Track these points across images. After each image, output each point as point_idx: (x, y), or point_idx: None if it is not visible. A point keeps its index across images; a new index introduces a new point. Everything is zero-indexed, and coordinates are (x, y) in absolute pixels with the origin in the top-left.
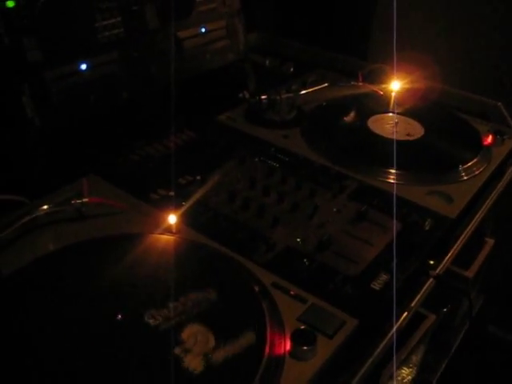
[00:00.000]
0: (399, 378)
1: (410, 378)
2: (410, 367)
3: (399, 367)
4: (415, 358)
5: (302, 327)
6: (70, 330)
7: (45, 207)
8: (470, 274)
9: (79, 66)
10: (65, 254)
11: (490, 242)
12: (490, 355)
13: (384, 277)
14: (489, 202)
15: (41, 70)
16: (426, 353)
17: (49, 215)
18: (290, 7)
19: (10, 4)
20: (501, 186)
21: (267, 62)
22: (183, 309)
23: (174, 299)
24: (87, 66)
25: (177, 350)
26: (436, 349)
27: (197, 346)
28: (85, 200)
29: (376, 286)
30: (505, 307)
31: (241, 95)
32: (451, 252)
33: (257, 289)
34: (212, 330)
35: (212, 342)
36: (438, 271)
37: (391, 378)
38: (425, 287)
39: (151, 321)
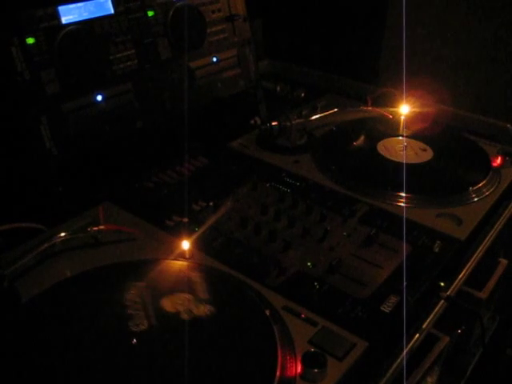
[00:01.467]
0: None
1: None
2: None
3: None
4: (430, 381)
5: (313, 350)
6: (87, 355)
7: (62, 234)
8: (483, 295)
9: (95, 98)
10: (81, 280)
11: (504, 262)
12: (508, 379)
13: (394, 299)
14: (499, 223)
15: (58, 102)
16: (440, 375)
17: (66, 242)
18: (301, 34)
19: (30, 41)
20: (511, 206)
21: (278, 89)
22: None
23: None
24: (103, 97)
25: (184, 316)
26: (451, 371)
27: (187, 303)
28: (101, 227)
29: (386, 308)
30: None
31: (252, 122)
32: (462, 273)
33: (268, 312)
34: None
35: (189, 295)
36: (449, 293)
37: None
38: (436, 309)
39: (141, 327)
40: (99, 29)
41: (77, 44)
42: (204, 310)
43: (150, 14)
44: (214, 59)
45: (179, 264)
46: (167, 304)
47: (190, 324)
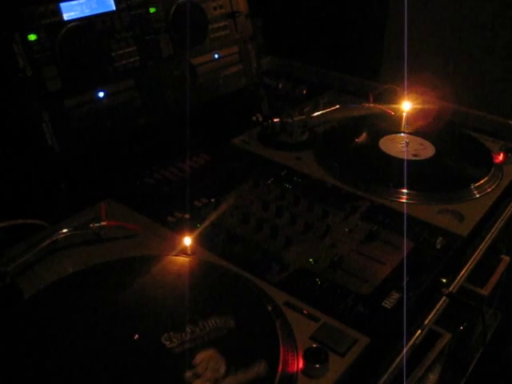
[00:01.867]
0: None
1: None
2: None
3: None
4: (432, 377)
5: (314, 345)
6: (88, 350)
7: (64, 231)
8: (485, 291)
9: (97, 94)
10: (84, 276)
11: (506, 259)
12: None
13: (395, 295)
14: (502, 220)
15: (60, 99)
16: (443, 371)
17: (68, 238)
18: (303, 31)
19: (32, 37)
20: None
21: (280, 85)
22: (200, 333)
23: (191, 322)
24: (104, 94)
25: (187, 374)
26: (453, 368)
27: (208, 372)
28: (103, 223)
29: (387, 304)
30: None
31: (254, 118)
32: (464, 270)
33: (270, 308)
34: (225, 355)
35: (223, 369)
36: (450, 289)
37: None
38: (438, 305)
39: (167, 343)
40: (101, 25)
41: (78, 41)
42: None
43: (152, 10)
44: (216, 56)
45: (181, 260)
46: (204, 355)
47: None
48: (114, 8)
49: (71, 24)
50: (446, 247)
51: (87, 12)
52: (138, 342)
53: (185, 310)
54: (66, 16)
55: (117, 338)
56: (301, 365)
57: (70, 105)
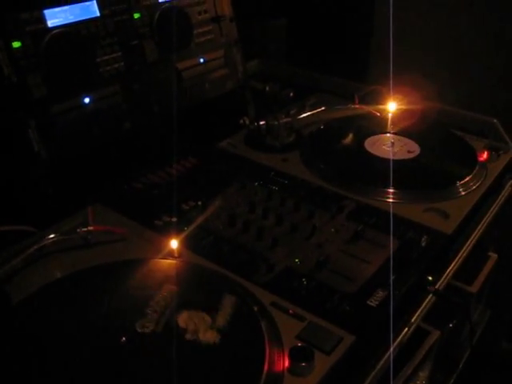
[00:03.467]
0: None
1: None
2: None
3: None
4: (422, 375)
5: (300, 344)
6: (78, 355)
7: (51, 236)
8: (473, 289)
9: (83, 100)
10: (71, 281)
11: (494, 256)
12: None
13: (381, 293)
14: (487, 217)
15: (46, 105)
16: (433, 369)
17: (56, 244)
18: (290, 34)
19: (16, 44)
20: (499, 200)
21: (267, 88)
22: (164, 304)
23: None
24: (90, 100)
25: (187, 336)
26: (443, 365)
27: (199, 325)
28: (90, 228)
29: (373, 302)
30: None
31: (241, 121)
32: (450, 267)
33: (256, 309)
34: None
35: (208, 317)
36: (437, 287)
37: None
38: (424, 303)
39: (145, 329)
40: (85, 32)
41: (63, 47)
42: (211, 337)
43: (136, 16)
44: (201, 60)
45: (167, 262)
46: (183, 317)
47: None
48: (99, 14)
49: (55, 31)
50: (431, 245)
51: (71, 18)
52: (127, 344)
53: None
54: (50, 23)
55: (105, 343)
56: (287, 364)
57: (56, 111)
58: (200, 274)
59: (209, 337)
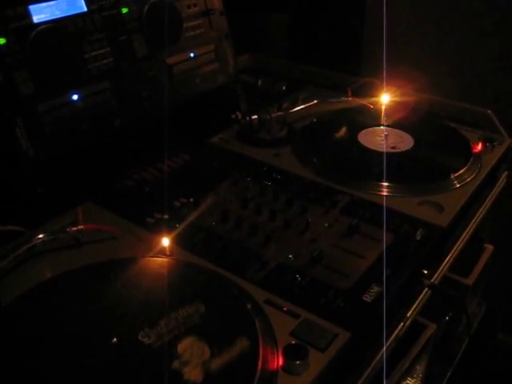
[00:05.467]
0: None
1: None
2: (415, 378)
3: (403, 378)
4: (419, 369)
5: (294, 342)
6: (68, 356)
7: (40, 236)
8: (469, 281)
9: (71, 97)
10: (61, 281)
11: (490, 248)
12: (501, 363)
13: (376, 289)
14: (483, 209)
15: (33, 103)
16: (429, 363)
17: (46, 243)
18: (285, 28)
19: (1, 41)
20: (494, 192)
21: (260, 82)
22: (175, 324)
23: (165, 316)
24: (79, 97)
25: (175, 364)
26: (440, 358)
27: (194, 358)
28: (80, 227)
29: (368, 298)
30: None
31: (233, 116)
32: (446, 260)
33: (249, 306)
34: (206, 340)
35: (207, 352)
36: (432, 280)
37: None
38: (420, 297)
39: (145, 339)
40: (72, 27)
41: (50, 43)
42: (194, 375)
43: (124, 10)
44: (192, 55)
45: (159, 261)
46: (185, 343)
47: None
48: (86, 9)
49: (41, 27)
50: (426, 238)
51: (58, 14)
52: (117, 345)
53: (160, 307)
54: (35, 19)
55: (95, 344)
56: (281, 362)
57: (44, 108)
58: (192, 272)
59: (193, 375)
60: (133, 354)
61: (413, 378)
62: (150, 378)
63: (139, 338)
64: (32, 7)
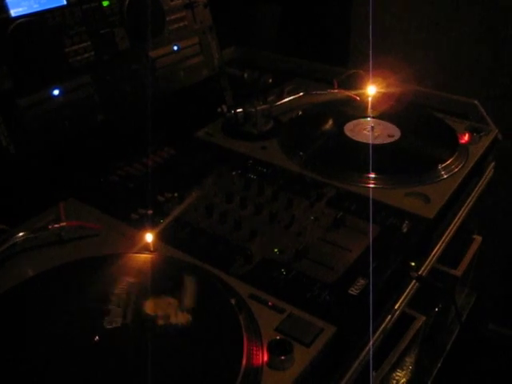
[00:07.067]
0: (394, 382)
1: (404, 380)
2: (404, 370)
3: (393, 370)
4: (409, 361)
5: (278, 337)
6: (53, 355)
7: (21, 234)
8: (458, 272)
9: (52, 92)
10: (42, 279)
11: (478, 239)
12: (491, 353)
13: (362, 281)
14: (470, 200)
15: (13, 99)
16: (419, 354)
17: (28, 241)
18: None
19: None
20: (482, 182)
21: (246, 75)
22: (126, 296)
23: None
24: (60, 92)
25: (159, 322)
26: (430, 350)
27: (168, 309)
28: (62, 224)
29: (354, 291)
30: (500, 304)
31: (219, 110)
32: (434, 252)
33: (233, 302)
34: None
35: (174, 300)
36: (420, 272)
37: (384, 381)
38: (408, 289)
39: (114, 325)
40: (52, 21)
41: (29, 37)
42: (183, 318)
43: (105, 3)
44: (175, 48)
45: (142, 257)
46: (150, 305)
47: (162, 330)
48: (65, 2)
49: (20, 20)
50: (413, 230)
51: (36, 7)
52: (101, 342)
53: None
54: (13, 12)
55: (79, 343)
56: (265, 357)
57: (24, 104)
58: (176, 268)
59: (180, 319)
60: (118, 340)
61: (402, 370)
62: (148, 347)
63: (107, 326)
64: (9, 0)
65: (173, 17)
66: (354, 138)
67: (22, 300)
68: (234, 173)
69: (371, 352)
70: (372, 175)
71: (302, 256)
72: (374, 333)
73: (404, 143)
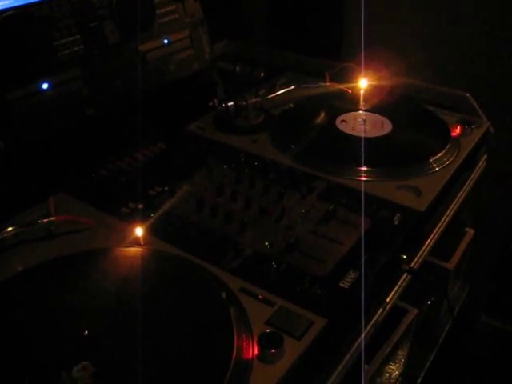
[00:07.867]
0: (387, 375)
1: (397, 373)
2: (397, 363)
3: (385, 363)
4: (402, 354)
5: (268, 330)
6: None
7: (10, 229)
8: (450, 265)
9: (40, 86)
10: (31, 274)
11: (471, 232)
12: (484, 346)
13: (353, 274)
14: (462, 192)
15: (1, 92)
16: (411, 347)
17: (17, 236)
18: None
19: None
20: (473, 175)
21: (238, 69)
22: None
23: None
24: (49, 85)
25: None
26: (422, 343)
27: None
28: (52, 219)
29: (345, 284)
30: (493, 297)
31: (211, 103)
32: (426, 245)
33: (224, 295)
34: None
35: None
36: (412, 265)
37: (377, 374)
38: (399, 282)
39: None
40: (39, 14)
41: (15, 31)
42: None
43: None
44: (166, 41)
45: (132, 251)
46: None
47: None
48: None
49: (5, 14)
50: (404, 223)
51: (22, 0)
52: (89, 337)
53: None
54: None
55: (68, 338)
56: (256, 351)
57: (12, 98)
58: (166, 261)
59: None
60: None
61: (395, 363)
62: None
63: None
64: None
65: (163, 10)
66: (346, 130)
67: (11, 295)
68: (225, 166)
69: (363, 345)
70: (363, 168)
71: (293, 249)
72: (365, 326)
73: (395, 136)
